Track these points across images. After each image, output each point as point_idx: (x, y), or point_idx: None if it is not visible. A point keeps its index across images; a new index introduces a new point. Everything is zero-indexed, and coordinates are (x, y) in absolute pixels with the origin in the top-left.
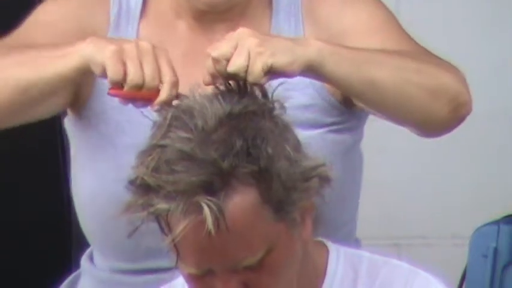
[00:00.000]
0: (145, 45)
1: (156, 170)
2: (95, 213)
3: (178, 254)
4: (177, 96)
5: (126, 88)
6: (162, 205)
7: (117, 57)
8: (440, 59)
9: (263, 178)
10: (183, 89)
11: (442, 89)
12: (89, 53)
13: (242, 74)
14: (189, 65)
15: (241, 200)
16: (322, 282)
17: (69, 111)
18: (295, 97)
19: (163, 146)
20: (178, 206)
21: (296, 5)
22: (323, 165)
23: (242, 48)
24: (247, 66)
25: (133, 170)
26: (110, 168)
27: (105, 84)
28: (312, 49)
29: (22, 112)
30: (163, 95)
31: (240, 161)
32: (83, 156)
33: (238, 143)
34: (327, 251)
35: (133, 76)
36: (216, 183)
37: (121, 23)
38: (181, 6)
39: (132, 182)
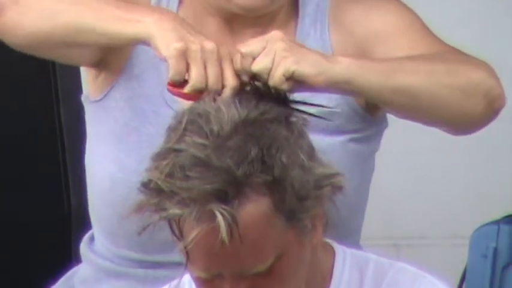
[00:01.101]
0: (210, 46)
1: (170, 175)
2: (113, 202)
3: (188, 258)
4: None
5: (187, 90)
6: (175, 210)
7: (182, 58)
8: (467, 55)
9: (276, 188)
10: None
11: (474, 86)
12: (153, 34)
13: (264, 76)
14: None
15: (254, 209)
16: (329, 284)
17: (93, 91)
18: (320, 101)
19: (178, 151)
20: (191, 213)
21: (322, 11)
22: (336, 174)
23: (269, 50)
24: (271, 69)
25: (147, 172)
26: (132, 158)
27: (142, 72)
28: (341, 66)
29: (60, 47)
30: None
31: (255, 169)
32: (103, 144)
33: (253, 151)
34: (334, 253)
35: (196, 81)
36: (229, 192)
37: (161, 5)
38: (212, 5)
39: (145, 185)
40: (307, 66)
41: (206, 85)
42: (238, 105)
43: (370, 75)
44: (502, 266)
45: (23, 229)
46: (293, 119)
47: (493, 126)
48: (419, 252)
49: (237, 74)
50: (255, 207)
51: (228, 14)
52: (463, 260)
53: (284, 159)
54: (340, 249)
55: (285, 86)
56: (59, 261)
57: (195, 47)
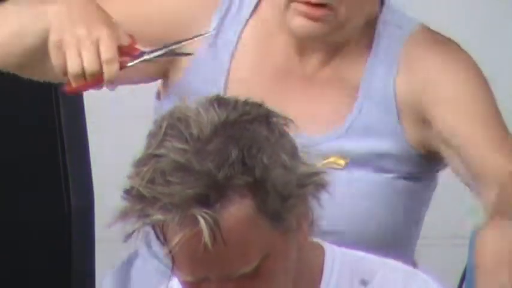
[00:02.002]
0: (80, 31)
1: (151, 181)
2: None
3: (174, 262)
4: (121, 66)
5: (72, 83)
6: (157, 216)
7: (57, 49)
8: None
9: (258, 189)
10: (270, 104)
11: None
12: (50, 25)
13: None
14: (280, 81)
15: (236, 211)
16: (319, 283)
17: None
18: (373, 142)
19: (158, 156)
20: (174, 218)
21: (396, 49)
22: (319, 172)
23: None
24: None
25: (129, 179)
26: None
27: (190, 75)
28: None
29: (35, 63)
30: (105, 75)
31: (236, 172)
32: None
33: (234, 153)
34: (323, 252)
35: (70, 66)
36: (211, 196)
37: (227, 18)
38: (283, 24)
39: (127, 192)
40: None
41: (83, 70)
42: (217, 107)
43: None
44: None
45: (23, 229)
46: (273, 119)
47: None
48: (419, 252)
49: (114, 50)
50: (237, 210)
51: (294, 34)
52: (463, 260)
53: (265, 159)
54: (329, 248)
55: None
56: (59, 261)
57: (66, 35)
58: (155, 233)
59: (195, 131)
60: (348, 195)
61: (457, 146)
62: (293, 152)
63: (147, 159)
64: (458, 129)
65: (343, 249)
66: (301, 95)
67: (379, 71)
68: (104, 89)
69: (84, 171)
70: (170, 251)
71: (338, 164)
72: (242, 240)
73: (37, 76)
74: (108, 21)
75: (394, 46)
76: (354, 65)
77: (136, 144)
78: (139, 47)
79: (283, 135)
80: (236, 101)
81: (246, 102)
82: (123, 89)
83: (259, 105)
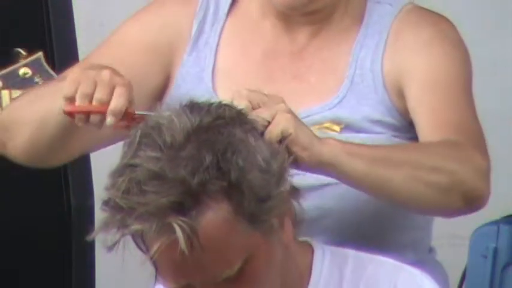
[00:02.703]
0: (105, 72)
1: (127, 191)
2: None
3: (157, 270)
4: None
5: (76, 100)
6: (135, 226)
7: (75, 79)
8: (477, 138)
9: (234, 192)
10: (261, 86)
11: (457, 185)
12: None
13: (259, 127)
14: (269, 63)
15: (213, 217)
16: (308, 282)
17: None
18: (367, 111)
19: (133, 166)
20: (151, 227)
21: (386, 23)
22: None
23: (272, 106)
24: (268, 123)
25: (106, 191)
26: None
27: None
28: (329, 149)
29: (58, 146)
30: (111, 105)
31: (210, 177)
32: None
33: (208, 158)
34: (312, 251)
35: (83, 88)
36: (186, 203)
37: (206, 22)
38: (267, 5)
39: (105, 203)
40: (302, 135)
41: (93, 92)
42: (189, 113)
43: (355, 163)
44: (502, 266)
45: (23, 229)
46: (247, 120)
47: (493, 126)
48: None
49: (126, 97)
50: (214, 215)
51: (280, 13)
52: (463, 260)
53: (240, 162)
54: (319, 247)
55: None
56: (59, 261)
57: (90, 72)
58: (135, 242)
59: (168, 139)
60: None
61: (416, 119)
62: (270, 149)
63: (123, 169)
64: (421, 103)
65: (333, 248)
66: (291, 70)
67: (370, 44)
68: None
69: (84, 171)
70: (151, 259)
71: (333, 130)
72: (221, 245)
73: (61, 159)
74: (128, 80)
75: (383, 22)
76: (343, 37)
77: None
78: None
79: (258, 135)
80: (209, 105)
81: (219, 105)
82: None
83: (233, 108)
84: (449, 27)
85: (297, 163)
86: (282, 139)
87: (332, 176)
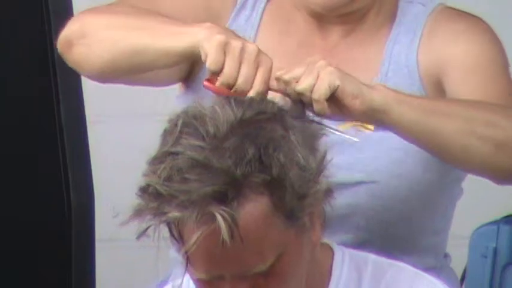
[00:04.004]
0: (251, 47)
1: (168, 179)
2: None
3: (188, 261)
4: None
5: (217, 83)
6: (174, 214)
7: (221, 49)
8: None
9: (275, 187)
10: None
11: (510, 142)
12: (200, 38)
13: (308, 94)
14: (303, 55)
15: (253, 209)
16: (328, 284)
17: (181, 88)
18: None
19: (175, 154)
20: (191, 216)
21: (419, 22)
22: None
23: (312, 68)
24: (314, 85)
25: (144, 177)
26: None
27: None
28: (379, 94)
29: (129, 73)
30: (251, 93)
31: (253, 170)
32: None
33: (251, 151)
34: (332, 253)
35: (227, 74)
36: (229, 193)
37: (247, 5)
38: (298, 2)
39: (143, 190)
40: (350, 84)
41: (235, 83)
42: (233, 105)
43: (406, 110)
44: (502, 266)
45: (22, 229)
46: (288, 116)
47: None
48: None
49: (267, 83)
50: (254, 207)
51: (312, 12)
52: (463, 260)
53: (282, 158)
54: (339, 249)
55: (325, 109)
56: (58, 261)
57: (235, 43)
58: (170, 231)
59: (211, 129)
60: (380, 151)
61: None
62: (309, 148)
63: (163, 156)
64: (464, 84)
65: (352, 251)
66: None
67: (403, 40)
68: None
69: (84, 170)
70: (187, 251)
71: (368, 128)
72: (258, 238)
73: (124, 83)
74: (271, 59)
75: (417, 20)
76: (376, 36)
77: (137, 143)
78: None
79: (298, 132)
80: (251, 99)
81: (261, 101)
82: (124, 89)
83: (274, 103)
84: (483, 23)
85: (350, 112)
86: (329, 100)
87: (382, 125)
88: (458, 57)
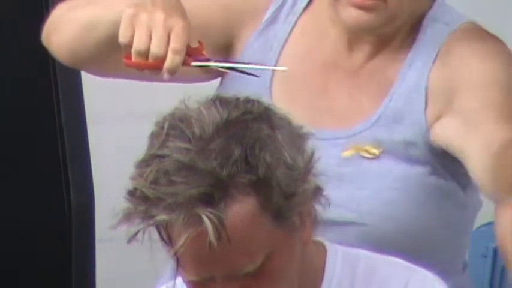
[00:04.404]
0: (158, 14)
1: (155, 182)
2: None
3: (178, 263)
4: (185, 62)
5: (133, 56)
6: (162, 217)
7: (129, 22)
8: None
9: (262, 187)
10: (315, 97)
11: None
12: (123, 11)
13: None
14: (327, 74)
15: (240, 210)
16: (321, 282)
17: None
18: (402, 131)
19: (161, 156)
20: (178, 218)
21: (436, 44)
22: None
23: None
24: None
25: (132, 181)
26: None
27: None
28: None
29: (98, 51)
30: (167, 62)
31: (239, 170)
32: None
33: (237, 152)
34: (325, 251)
35: (136, 43)
36: (215, 194)
37: (282, 11)
38: (334, 18)
39: (131, 193)
40: None
41: (148, 49)
42: (219, 106)
43: None
44: (502, 266)
45: (22, 229)
46: (275, 116)
47: None
48: None
49: (182, 43)
50: (241, 208)
51: (346, 28)
52: None
53: (268, 157)
54: (332, 248)
55: None
56: (58, 261)
57: (143, 14)
58: (159, 234)
59: (197, 130)
60: (376, 190)
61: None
62: (296, 147)
63: (150, 159)
64: (475, 105)
65: (345, 248)
66: (344, 88)
67: (418, 63)
68: (105, 87)
69: (84, 170)
70: (175, 253)
71: (372, 154)
72: (246, 238)
73: (104, 71)
74: (185, 16)
75: (436, 40)
76: (396, 58)
77: (136, 143)
78: (206, 54)
79: (285, 132)
80: (237, 99)
81: (247, 100)
82: (124, 89)
83: (260, 103)
84: (503, 44)
85: None
86: None
87: None
88: (472, 75)
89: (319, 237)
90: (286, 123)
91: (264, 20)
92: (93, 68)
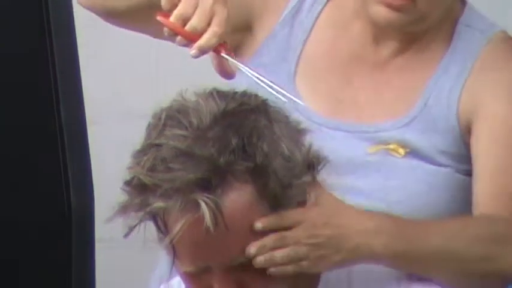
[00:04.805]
0: None
1: (152, 169)
2: None
3: (174, 253)
4: (216, 49)
5: (171, 17)
6: (159, 204)
7: None
8: None
9: (259, 175)
10: (339, 89)
11: (500, 275)
12: None
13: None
14: (352, 66)
15: (237, 197)
16: (317, 282)
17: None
18: (434, 138)
19: (158, 145)
20: (175, 204)
21: (473, 53)
22: (321, 160)
23: (289, 240)
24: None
25: (128, 170)
26: None
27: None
28: (378, 253)
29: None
30: (202, 39)
31: (236, 157)
32: None
33: (234, 140)
34: None
35: (182, 8)
36: (212, 180)
37: (303, 8)
38: (359, 10)
39: (127, 183)
40: (335, 256)
41: (189, 18)
42: (216, 97)
43: (404, 265)
44: None
45: (22, 229)
46: (271, 109)
47: None
48: None
49: (219, 33)
50: (238, 195)
51: (373, 23)
52: None
53: (265, 147)
54: None
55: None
56: (59, 261)
57: None
58: (156, 224)
59: (194, 120)
60: (405, 181)
61: (475, 167)
62: (293, 140)
63: (147, 148)
64: (487, 155)
65: None
66: (369, 81)
67: (453, 70)
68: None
69: (84, 170)
70: (171, 241)
71: (398, 153)
72: (243, 226)
73: (129, 24)
74: (227, 10)
75: (471, 50)
76: (429, 59)
77: (137, 143)
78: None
79: (283, 124)
80: (234, 92)
81: (244, 93)
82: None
83: (257, 96)
84: None
85: None
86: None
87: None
88: (494, 116)
89: None
90: (283, 117)
91: (289, 7)
92: (122, 19)
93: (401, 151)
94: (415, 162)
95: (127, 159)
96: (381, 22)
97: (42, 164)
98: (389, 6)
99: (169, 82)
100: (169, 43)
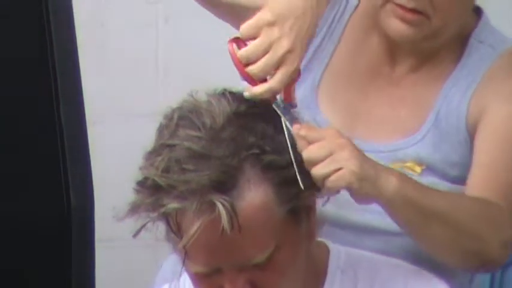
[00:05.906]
0: (285, 43)
1: (166, 170)
2: None
3: (186, 253)
4: (265, 102)
5: (238, 53)
6: (173, 205)
7: (260, 26)
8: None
9: (273, 176)
10: (356, 102)
11: (481, 257)
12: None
13: (320, 179)
14: (369, 79)
15: (252, 198)
16: (323, 282)
17: None
18: (446, 151)
19: (171, 146)
20: (191, 205)
21: (482, 66)
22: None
23: (336, 160)
24: (329, 175)
25: (141, 171)
26: None
27: None
28: (390, 190)
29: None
30: (256, 89)
31: (251, 159)
32: None
33: (248, 141)
34: (328, 251)
35: (251, 50)
36: (228, 182)
37: (334, 19)
38: (378, 25)
39: (141, 184)
40: (367, 187)
41: (251, 63)
42: (229, 98)
43: (405, 210)
44: (502, 266)
45: (22, 229)
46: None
47: None
48: None
49: (280, 86)
50: (253, 196)
51: (387, 35)
52: None
53: (279, 151)
54: (334, 247)
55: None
56: (59, 261)
57: (276, 30)
58: (168, 224)
59: (207, 120)
60: None
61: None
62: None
63: (160, 149)
64: (482, 144)
65: (348, 249)
66: (385, 96)
67: (462, 84)
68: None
69: (84, 170)
70: (188, 242)
71: (414, 171)
72: (257, 227)
73: (230, 21)
74: (300, 60)
75: (481, 65)
76: (439, 73)
77: (137, 143)
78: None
79: (291, 128)
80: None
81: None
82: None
83: (267, 100)
84: None
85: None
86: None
87: (379, 203)
88: (497, 117)
89: (348, 243)
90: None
91: (324, 17)
92: (219, 9)
93: (418, 169)
94: (431, 179)
95: (127, 159)
96: (395, 36)
97: (42, 164)
98: (403, 20)
99: (170, 82)
100: (170, 44)
